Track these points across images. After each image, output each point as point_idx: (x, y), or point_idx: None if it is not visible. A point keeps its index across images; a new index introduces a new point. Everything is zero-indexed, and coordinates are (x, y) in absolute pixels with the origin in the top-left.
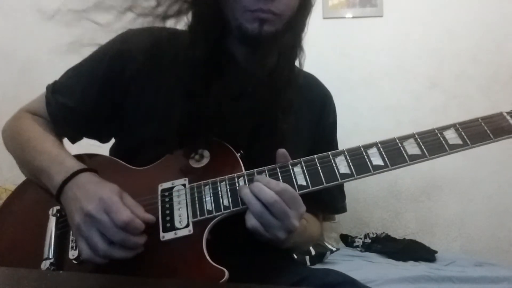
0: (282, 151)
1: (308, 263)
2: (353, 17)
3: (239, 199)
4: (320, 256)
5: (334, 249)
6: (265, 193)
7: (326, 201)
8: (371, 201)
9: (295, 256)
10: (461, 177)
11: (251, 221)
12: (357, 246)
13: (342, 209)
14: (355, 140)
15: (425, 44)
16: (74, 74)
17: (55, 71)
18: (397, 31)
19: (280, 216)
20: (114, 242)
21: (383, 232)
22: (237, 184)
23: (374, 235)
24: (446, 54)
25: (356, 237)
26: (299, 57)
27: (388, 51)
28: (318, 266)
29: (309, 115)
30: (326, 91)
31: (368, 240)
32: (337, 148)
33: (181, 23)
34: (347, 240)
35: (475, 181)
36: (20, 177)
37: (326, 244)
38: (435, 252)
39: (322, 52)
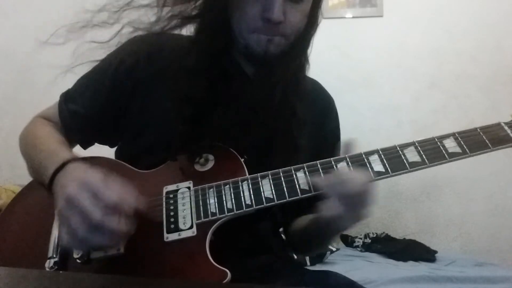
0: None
1: (308, 263)
2: (353, 17)
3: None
4: (320, 256)
5: (334, 249)
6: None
7: None
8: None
9: (295, 257)
10: (461, 177)
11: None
12: (357, 246)
13: None
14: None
15: (425, 44)
16: (84, 82)
17: (55, 71)
18: (397, 31)
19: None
20: (94, 226)
21: (383, 232)
22: (241, 188)
23: (374, 235)
24: (446, 54)
25: (356, 237)
26: (305, 69)
27: (388, 51)
28: (318, 266)
29: (311, 118)
30: (328, 96)
31: (368, 240)
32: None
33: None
34: (347, 240)
35: (475, 181)
36: (20, 177)
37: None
38: (435, 252)
39: (322, 52)
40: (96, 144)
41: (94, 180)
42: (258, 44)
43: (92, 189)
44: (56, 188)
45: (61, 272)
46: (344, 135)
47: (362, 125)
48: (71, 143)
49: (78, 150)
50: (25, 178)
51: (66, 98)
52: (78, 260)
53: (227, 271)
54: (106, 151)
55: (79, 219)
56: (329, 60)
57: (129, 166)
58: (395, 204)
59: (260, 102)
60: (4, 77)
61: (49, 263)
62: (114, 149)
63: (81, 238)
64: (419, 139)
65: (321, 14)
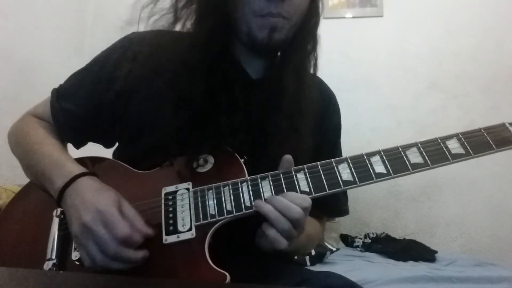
0: (287, 157)
1: (308, 263)
2: (353, 17)
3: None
4: (320, 256)
5: (334, 249)
6: (293, 211)
7: (331, 204)
8: (371, 201)
9: (295, 257)
10: (461, 177)
11: (272, 234)
12: (357, 246)
13: (345, 212)
14: (355, 140)
15: (425, 44)
16: (78, 79)
17: (55, 71)
18: (397, 31)
19: (300, 227)
20: (111, 256)
21: (383, 232)
22: (240, 189)
23: (374, 235)
24: (446, 54)
25: (356, 237)
26: (311, 65)
27: (388, 51)
28: (318, 266)
29: (313, 117)
30: (330, 92)
31: (368, 240)
32: (340, 151)
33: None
34: (347, 240)
35: (475, 181)
36: (20, 177)
37: (326, 244)
38: (435, 252)
39: (322, 52)
40: (90, 143)
41: (108, 210)
42: (261, 29)
43: (107, 221)
44: (66, 206)
45: (61, 272)
46: (344, 135)
47: (362, 125)
48: (64, 142)
49: (71, 149)
50: (25, 178)
51: (59, 95)
52: (76, 262)
53: (226, 274)
54: (102, 151)
55: (96, 248)
56: (329, 60)
57: (128, 167)
58: (395, 204)
59: (261, 103)
60: (4, 77)
61: (47, 265)
62: (112, 149)
63: (100, 265)
64: (421, 139)
65: (321, 5)
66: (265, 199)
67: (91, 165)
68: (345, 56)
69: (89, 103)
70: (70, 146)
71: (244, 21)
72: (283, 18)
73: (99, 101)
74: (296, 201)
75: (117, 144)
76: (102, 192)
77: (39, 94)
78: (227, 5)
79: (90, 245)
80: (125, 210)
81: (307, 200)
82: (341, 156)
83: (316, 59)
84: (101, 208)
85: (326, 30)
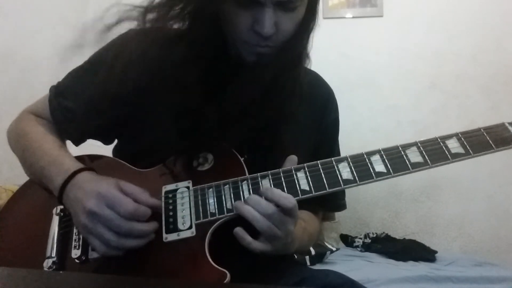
0: (292, 157)
1: (308, 263)
2: (353, 17)
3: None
4: (320, 256)
5: (334, 249)
6: (264, 206)
7: (328, 198)
8: (371, 201)
9: (295, 256)
10: (461, 177)
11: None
12: (357, 246)
13: (343, 206)
14: (355, 140)
15: (425, 44)
16: (76, 76)
17: (55, 72)
18: (397, 31)
19: (280, 225)
20: (124, 233)
21: (383, 232)
22: (240, 188)
23: (374, 235)
24: (446, 54)
25: (356, 237)
26: (304, 64)
27: (388, 51)
28: (318, 266)
29: (311, 113)
30: (328, 88)
31: (368, 240)
32: (338, 147)
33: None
34: (347, 240)
35: (475, 181)
36: (20, 177)
37: (326, 244)
38: (435, 252)
39: (322, 52)
40: (89, 141)
41: (109, 191)
42: (250, 54)
43: (110, 202)
44: (69, 202)
45: (61, 272)
46: (344, 135)
47: (362, 125)
48: (63, 139)
49: (79, 147)
50: (25, 178)
51: (57, 92)
52: (76, 260)
53: (227, 272)
54: (101, 148)
55: (107, 230)
56: (329, 60)
57: (128, 165)
58: (395, 204)
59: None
60: (4, 77)
61: (47, 263)
62: (112, 146)
63: (115, 246)
64: (421, 139)
65: (319, 12)
66: (244, 200)
67: (91, 163)
68: (345, 56)
69: (87, 100)
70: (69, 143)
71: (233, 44)
72: (270, 47)
73: (98, 98)
74: (275, 199)
75: (116, 141)
76: (100, 180)
77: (39, 94)
78: (219, 27)
79: (100, 228)
80: (126, 189)
81: (291, 202)
82: (340, 151)
83: (307, 54)
84: (102, 191)
85: (326, 30)
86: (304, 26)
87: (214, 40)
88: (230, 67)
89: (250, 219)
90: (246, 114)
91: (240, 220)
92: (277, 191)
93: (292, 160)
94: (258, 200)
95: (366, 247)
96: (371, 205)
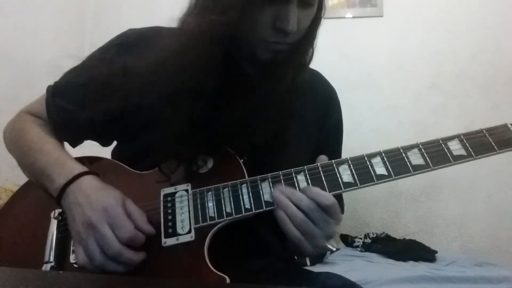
0: (322, 157)
1: (308, 263)
2: (353, 17)
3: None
4: (320, 256)
5: (334, 249)
6: (304, 200)
7: None
8: (371, 201)
9: (295, 257)
10: (461, 177)
11: (293, 233)
12: (357, 246)
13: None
14: (355, 140)
15: (425, 44)
16: (74, 76)
17: (55, 72)
18: (397, 31)
19: (321, 223)
20: (111, 256)
21: (383, 232)
22: (240, 191)
23: (374, 235)
24: (446, 54)
25: (356, 237)
26: (308, 61)
27: (388, 51)
28: (318, 266)
29: (314, 112)
30: (331, 88)
31: (368, 240)
32: (341, 147)
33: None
34: (347, 240)
35: (475, 181)
36: (20, 177)
37: (326, 244)
38: (435, 252)
39: (322, 52)
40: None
41: (114, 209)
42: (266, 52)
43: (113, 220)
44: (68, 204)
45: (61, 272)
46: (344, 135)
47: (362, 125)
48: (61, 140)
49: (68, 148)
50: (25, 178)
51: (54, 92)
52: (75, 265)
53: (226, 277)
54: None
55: (97, 247)
56: (329, 60)
57: (126, 167)
58: (395, 204)
59: (261, 101)
60: (4, 77)
61: (45, 268)
62: (111, 147)
63: (97, 265)
64: (422, 140)
65: (324, 8)
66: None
67: (90, 165)
68: (345, 56)
69: (84, 101)
70: (66, 145)
71: (249, 43)
72: (288, 44)
73: (95, 99)
74: (312, 196)
75: (115, 143)
76: (107, 191)
77: (39, 94)
78: (233, 25)
79: (91, 242)
80: (130, 210)
81: (328, 199)
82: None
83: (313, 51)
84: (108, 207)
85: (326, 30)
86: (315, 23)
87: (230, 40)
88: (234, 69)
89: (289, 213)
90: (248, 115)
91: (240, 223)
92: (315, 189)
93: (322, 160)
94: (296, 194)
95: (366, 247)
96: (371, 205)
